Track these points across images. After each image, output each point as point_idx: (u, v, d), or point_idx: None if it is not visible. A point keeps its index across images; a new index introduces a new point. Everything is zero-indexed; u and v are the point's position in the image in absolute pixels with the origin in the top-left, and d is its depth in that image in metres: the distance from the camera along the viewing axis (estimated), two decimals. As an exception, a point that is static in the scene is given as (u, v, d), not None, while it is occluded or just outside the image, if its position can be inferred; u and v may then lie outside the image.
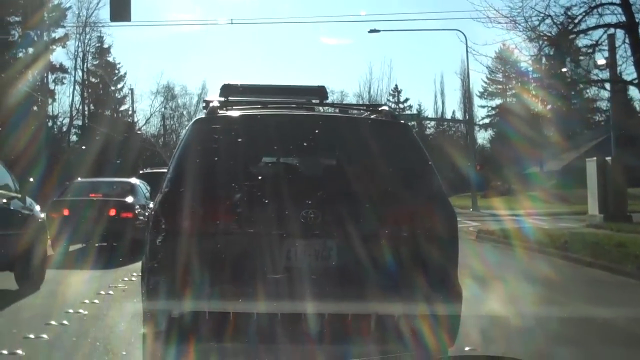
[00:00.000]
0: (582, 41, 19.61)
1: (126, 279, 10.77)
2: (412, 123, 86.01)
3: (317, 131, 5.40)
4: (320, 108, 6.90)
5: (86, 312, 7.80)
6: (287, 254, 4.71)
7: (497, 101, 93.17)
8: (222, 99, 5.99)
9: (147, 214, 16.25)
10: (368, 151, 5.32)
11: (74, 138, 62.04)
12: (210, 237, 4.74)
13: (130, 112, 64.79)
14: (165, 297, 4.63)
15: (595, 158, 23.48)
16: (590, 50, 19.36)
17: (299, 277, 4.68)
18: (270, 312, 4.56)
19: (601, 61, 20.72)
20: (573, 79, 23.78)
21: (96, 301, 8.59)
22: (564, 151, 67.20)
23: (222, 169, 5.04)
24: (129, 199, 15.59)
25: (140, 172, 21.28)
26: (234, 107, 5.76)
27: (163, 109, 76.65)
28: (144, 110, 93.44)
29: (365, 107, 6.83)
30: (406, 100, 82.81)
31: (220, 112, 5.46)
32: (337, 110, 7.15)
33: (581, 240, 15.51)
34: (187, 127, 5.56)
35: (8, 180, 10.05)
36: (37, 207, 10.93)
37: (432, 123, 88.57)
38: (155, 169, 22.31)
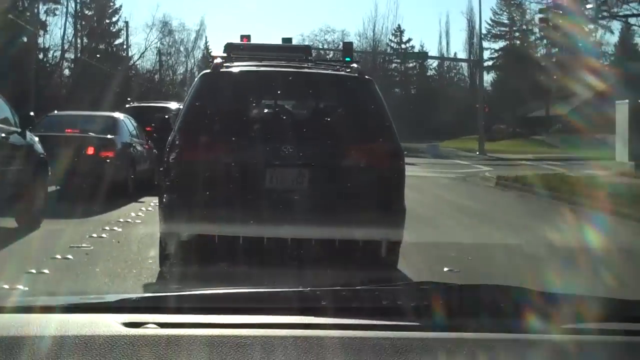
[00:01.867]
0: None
1: (95, 235, 8.67)
2: (414, 63, 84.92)
3: (298, 84, 6.76)
4: (305, 65, 7.68)
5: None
6: (270, 178, 6.11)
7: (501, 43, 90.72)
8: (224, 55, 7.42)
9: (132, 151, 14.20)
10: (337, 100, 6.84)
11: (66, 72, 59.51)
12: (213, 163, 6.08)
13: (124, 47, 62.01)
14: (177, 209, 6.07)
15: (627, 101, 21.26)
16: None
17: (278, 196, 6.11)
18: (256, 224, 5.87)
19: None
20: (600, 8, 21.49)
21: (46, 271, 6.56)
22: (569, 95, 64.54)
23: (223, 113, 6.41)
24: (110, 136, 13.43)
25: (127, 105, 18.85)
26: (234, 64, 6.99)
27: (159, 45, 74.56)
28: (139, 44, 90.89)
29: (340, 64, 8.09)
30: (409, 40, 79.86)
31: (223, 68, 6.70)
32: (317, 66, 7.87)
33: (626, 193, 13.53)
34: (195, 79, 7.20)
35: (7, 114, 9.66)
36: (38, 142, 10.34)
37: (435, 64, 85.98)
38: (144, 103, 20.06)
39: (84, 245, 7.91)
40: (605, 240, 8.50)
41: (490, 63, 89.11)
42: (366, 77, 6.75)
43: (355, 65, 7.25)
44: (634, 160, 20.06)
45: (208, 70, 6.92)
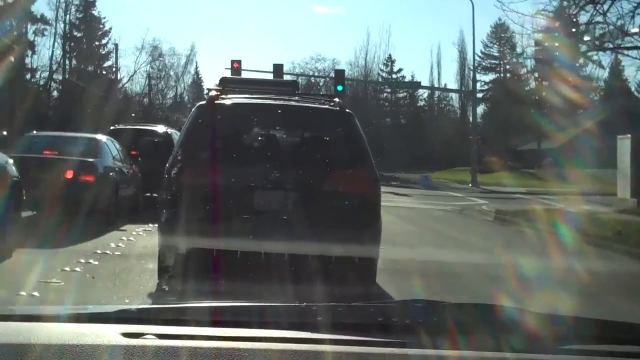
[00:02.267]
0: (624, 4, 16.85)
1: (67, 268, 7.73)
2: (405, 93, 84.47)
3: (285, 116, 7.39)
4: (291, 98, 8.38)
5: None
6: (258, 199, 6.78)
7: (491, 76, 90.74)
8: (219, 87, 8.07)
9: (115, 175, 13.28)
10: (320, 131, 7.59)
11: (54, 94, 58.64)
12: (207, 184, 6.72)
13: (113, 69, 61.27)
14: (174, 224, 6.64)
15: (629, 135, 20.59)
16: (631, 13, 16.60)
17: (265, 217, 6.76)
18: (245, 240, 6.46)
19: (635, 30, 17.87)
20: (602, 40, 20.84)
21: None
22: (560, 129, 64.16)
23: (216, 141, 7.04)
24: (92, 159, 12.52)
25: (112, 127, 17.94)
26: (228, 96, 7.52)
27: (150, 69, 73.96)
28: (128, 67, 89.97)
29: (324, 98, 8.53)
30: (400, 70, 79.55)
31: (218, 99, 7.29)
32: (303, 99, 8.53)
33: (636, 231, 12.78)
34: (192, 110, 7.58)
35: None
36: (12, 163, 9.77)
37: (425, 95, 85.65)
38: (129, 125, 19.18)
39: (54, 280, 7.03)
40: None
41: (480, 95, 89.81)
42: (346, 110, 7.36)
43: (337, 99, 7.69)
44: (637, 197, 19.36)
45: (203, 102, 7.57)
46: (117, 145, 14.23)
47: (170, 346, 1.69)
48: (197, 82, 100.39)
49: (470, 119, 50.29)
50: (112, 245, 9.87)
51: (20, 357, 1.61)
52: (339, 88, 34.08)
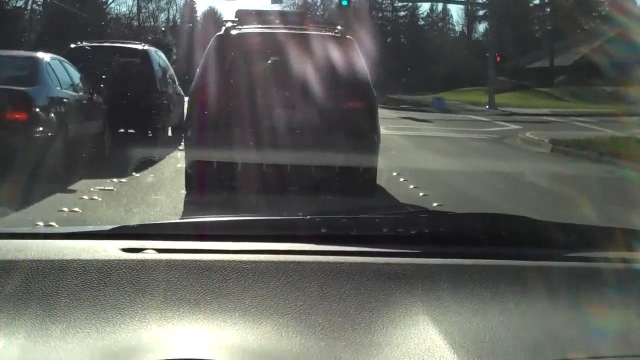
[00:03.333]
0: None
1: None
2: (405, 12, 79.39)
3: (294, 42, 7.94)
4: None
5: None
6: (273, 116, 7.39)
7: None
8: (235, 20, 9.00)
9: (63, 110, 9.32)
10: (324, 55, 7.92)
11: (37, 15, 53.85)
12: (228, 106, 7.46)
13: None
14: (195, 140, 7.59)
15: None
16: None
17: (280, 130, 7.29)
18: (262, 151, 7.23)
19: None
20: None
21: None
22: (573, 45, 59.61)
23: (233, 68, 7.94)
24: (24, 88, 8.52)
25: (72, 46, 13.71)
26: (242, 27, 8.45)
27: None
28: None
29: (328, 27, 8.94)
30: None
31: (232, 31, 8.19)
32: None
33: None
34: (210, 41, 8.18)
35: None
36: None
37: (424, 12, 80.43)
38: (96, 42, 14.69)
39: None
40: None
41: (482, 13, 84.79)
42: (347, 36, 8.36)
43: (339, 27, 8.85)
44: None
45: (221, 33, 8.22)
46: (71, 68, 10.27)
47: (170, 259, 1.65)
48: (190, 3, 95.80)
49: (474, 37, 45.85)
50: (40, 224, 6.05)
51: (17, 272, 1.56)
52: (344, 2, 30.15)
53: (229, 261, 1.64)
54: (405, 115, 27.69)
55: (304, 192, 7.09)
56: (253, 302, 1.52)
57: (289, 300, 1.53)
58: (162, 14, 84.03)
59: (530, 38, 71.00)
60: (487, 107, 35.30)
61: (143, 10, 67.98)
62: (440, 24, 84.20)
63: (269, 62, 7.98)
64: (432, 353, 1.38)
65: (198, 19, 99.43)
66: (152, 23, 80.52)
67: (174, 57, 69.56)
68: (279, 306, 1.51)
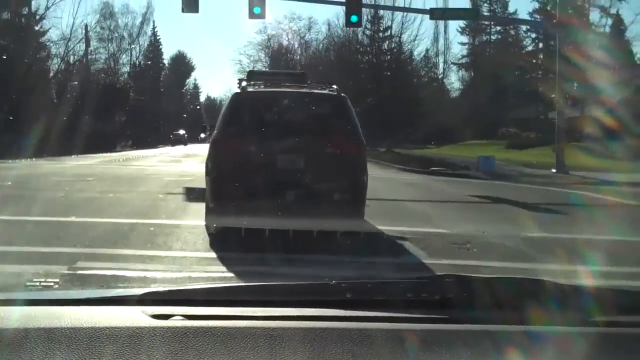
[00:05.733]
0: None
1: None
2: (389, 56, 69.02)
3: (297, 100, 9.15)
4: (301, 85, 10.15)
5: None
6: (280, 161, 8.52)
7: (479, 37, 76.39)
8: (247, 79, 10.08)
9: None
10: (323, 110, 9.17)
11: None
12: (241, 157, 8.52)
13: (36, 17, 44.87)
14: (217, 193, 8.55)
15: None
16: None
17: (285, 172, 8.49)
18: (271, 189, 8.33)
19: None
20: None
21: None
22: (580, 98, 49.01)
23: (249, 122, 9.03)
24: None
25: None
26: (255, 85, 9.56)
27: (97, 28, 58.40)
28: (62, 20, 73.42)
29: (325, 85, 9.93)
30: (387, 29, 64.31)
31: (248, 89, 9.31)
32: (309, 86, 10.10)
33: None
34: (229, 97, 9.90)
35: None
36: None
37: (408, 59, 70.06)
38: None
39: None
40: None
41: (462, 59, 75.56)
42: (342, 94, 9.38)
43: (334, 86, 9.70)
44: None
45: (238, 91, 9.30)
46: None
47: (200, 326, 1.62)
48: (155, 44, 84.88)
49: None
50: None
51: (50, 341, 1.54)
52: (353, 19, 23.01)
53: (258, 328, 1.62)
54: (468, 192, 16.22)
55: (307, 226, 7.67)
56: None
57: None
58: (124, 55, 73.90)
59: (520, 87, 61.97)
60: (554, 170, 24.09)
61: (101, 52, 57.19)
62: (424, 71, 74.73)
63: (278, 115, 9.12)
64: None
65: (165, 62, 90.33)
66: (112, 65, 70.23)
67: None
68: None
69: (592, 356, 1.60)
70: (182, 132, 71.33)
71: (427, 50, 73.44)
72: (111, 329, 1.59)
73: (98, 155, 34.47)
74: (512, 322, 1.71)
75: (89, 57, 54.06)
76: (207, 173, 8.77)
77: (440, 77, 75.51)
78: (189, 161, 30.46)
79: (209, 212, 8.58)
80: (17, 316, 1.68)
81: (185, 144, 67.84)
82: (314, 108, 9.13)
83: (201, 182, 9.85)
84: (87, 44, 49.99)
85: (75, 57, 51.27)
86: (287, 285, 2.06)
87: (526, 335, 1.65)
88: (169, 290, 1.92)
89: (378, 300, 1.87)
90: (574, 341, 1.64)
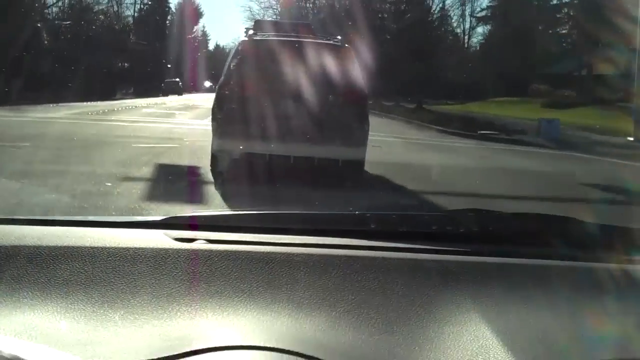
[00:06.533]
0: None
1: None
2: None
3: (302, 49, 8.98)
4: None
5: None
6: (285, 107, 8.51)
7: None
8: (253, 29, 9.99)
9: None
10: (326, 60, 8.86)
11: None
12: (246, 101, 8.47)
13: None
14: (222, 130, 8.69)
15: None
16: None
17: (290, 119, 8.45)
18: (277, 137, 8.27)
19: None
20: None
21: None
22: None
23: (255, 68, 8.96)
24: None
25: None
26: (262, 34, 9.64)
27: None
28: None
29: (331, 37, 10.02)
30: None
31: (254, 37, 9.39)
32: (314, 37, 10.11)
33: None
34: (236, 45, 9.80)
35: None
36: None
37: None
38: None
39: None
40: None
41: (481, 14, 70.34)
42: (346, 45, 9.52)
43: (339, 37, 9.87)
44: None
45: (245, 39, 9.34)
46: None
47: (223, 250, 1.61)
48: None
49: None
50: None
51: (76, 259, 1.54)
52: None
53: (281, 253, 1.60)
54: (578, 179, 11.45)
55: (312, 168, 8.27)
56: (305, 294, 1.46)
57: (341, 294, 1.47)
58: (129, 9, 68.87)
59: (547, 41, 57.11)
60: (631, 138, 19.45)
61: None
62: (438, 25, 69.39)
63: (284, 63, 8.86)
64: (487, 351, 1.30)
65: (171, 6, 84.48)
66: (114, 13, 65.46)
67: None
68: (332, 299, 1.46)
69: (614, 291, 1.54)
70: (176, 79, 63.53)
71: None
72: (134, 249, 1.58)
73: (85, 104, 29.51)
74: (536, 256, 1.67)
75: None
76: (213, 118, 9.01)
77: (465, 32, 70.38)
78: (183, 116, 25.21)
79: (214, 159, 8.78)
80: (38, 234, 1.66)
81: (179, 93, 59.19)
82: (317, 57, 9.18)
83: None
84: None
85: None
86: (309, 215, 2.00)
87: (551, 270, 1.64)
88: (192, 216, 1.86)
89: (402, 231, 1.81)
90: (595, 277, 1.59)
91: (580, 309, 1.49)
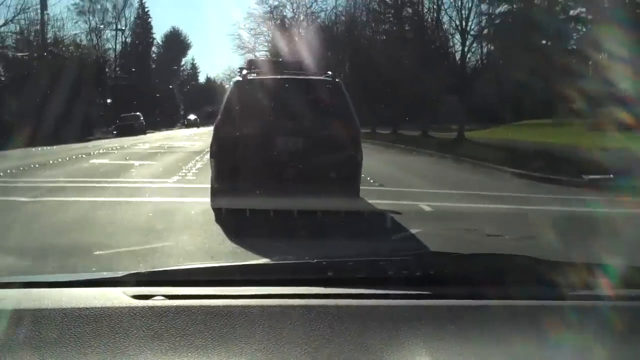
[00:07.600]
0: None
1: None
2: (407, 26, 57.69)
3: (296, 86, 9.53)
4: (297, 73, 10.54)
5: None
6: (279, 143, 8.93)
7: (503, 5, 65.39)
8: (247, 67, 10.51)
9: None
10: (319, 95, 9.40)
11: None
12: (243, 139, 8.88)
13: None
14: (220, 172, 8.98)
15: None
16: None
17: (285, 153, 8.91)
18: (270, 171, 8.84)
19: None
20: None
21: None
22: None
23: (249, 106, 9.25)
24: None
25: None
26: (254, 73, 10.06)
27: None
28: None
29: (321, 73, 10.53)
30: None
31: (248, 76, 9.72)
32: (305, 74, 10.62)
33: None
34: (231, 84, 10.08)
35: None
36: None
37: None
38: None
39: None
40: None
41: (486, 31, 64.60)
42: (336, 80, 9.81)
43: (330, 72, 10.22)
44: None
45: (240, 79, 9.71)
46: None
47: (180, 306, 1.58)
48: (142, 16, 73.70)
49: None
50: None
51: (30, 321, 1.50)
52: None
53: (237, 306, 1.59)
54: None
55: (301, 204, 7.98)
56: (260, 346, 1.45)
57: (296, 344, 1.46)
58: (107, 32, 63.65)
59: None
60: None
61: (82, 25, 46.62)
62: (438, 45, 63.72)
63: (277, 100, 9.24)
64: None
65: (155, 38, 78.89)
66: (95, 41, 60.38)
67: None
68: (286, 349, 1.44)
69: (571, 328, 1.55)
70: (137, 114, 55.92)
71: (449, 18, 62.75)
72: (91, 309, 1.56)
73: (33, 150, 23.12)
74: (489, 297, 1.66)
75: (68, 33, 43.56)
76: (212, 155, 9.30)
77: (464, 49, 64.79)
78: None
79: (213, 192, 9.04)
80: (5, 297, 1.66)
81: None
82: (310, 93, 9.46)
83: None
84: (43, 8, 38.70)
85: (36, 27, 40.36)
86: (268, 265, 2.03)
87: (503, 310, 1.62)
88: (150, 272, 1.85)
89: (359, 278, 1.81)
90: (553, 315, 1.59)
91: (535, 349, 1.47)
